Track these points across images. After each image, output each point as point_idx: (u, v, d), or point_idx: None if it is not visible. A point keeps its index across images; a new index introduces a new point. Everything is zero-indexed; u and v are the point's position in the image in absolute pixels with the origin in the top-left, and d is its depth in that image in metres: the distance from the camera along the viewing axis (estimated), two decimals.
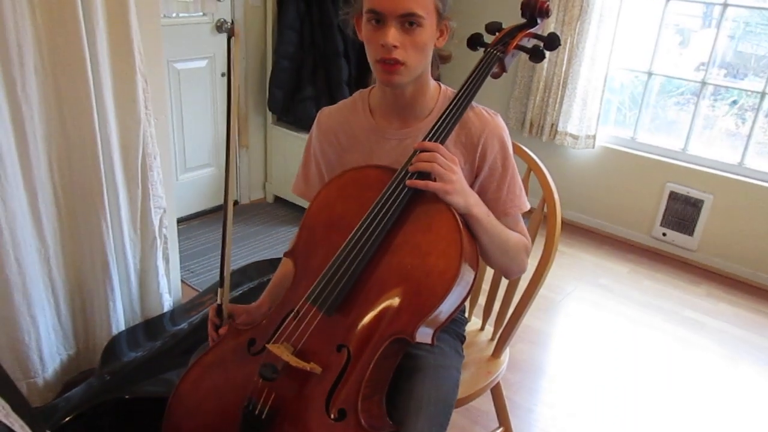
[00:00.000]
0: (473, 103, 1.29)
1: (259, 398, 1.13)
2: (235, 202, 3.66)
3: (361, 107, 1.35)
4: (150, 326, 2.19)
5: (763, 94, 3.07)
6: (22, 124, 1.66)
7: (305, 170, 1.43)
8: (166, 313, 2.27)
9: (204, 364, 1.24)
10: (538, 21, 1.32)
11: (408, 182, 1.14)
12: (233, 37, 1.16)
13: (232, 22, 1.18)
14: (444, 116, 1.20)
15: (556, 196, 1.52)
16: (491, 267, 1.37)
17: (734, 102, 3.52)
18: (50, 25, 1.66)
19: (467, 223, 1.17)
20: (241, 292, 2.29)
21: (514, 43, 1.28)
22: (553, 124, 3.53)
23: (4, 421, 0.92)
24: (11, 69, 1.60)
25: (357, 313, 1.13)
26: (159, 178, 2.06)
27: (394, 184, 1.16)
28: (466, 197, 1.16)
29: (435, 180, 1.14)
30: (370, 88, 1.36)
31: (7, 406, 0.92)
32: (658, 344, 2.62)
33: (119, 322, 2.10)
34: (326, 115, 1.39)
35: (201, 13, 3.08)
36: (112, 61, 1.82)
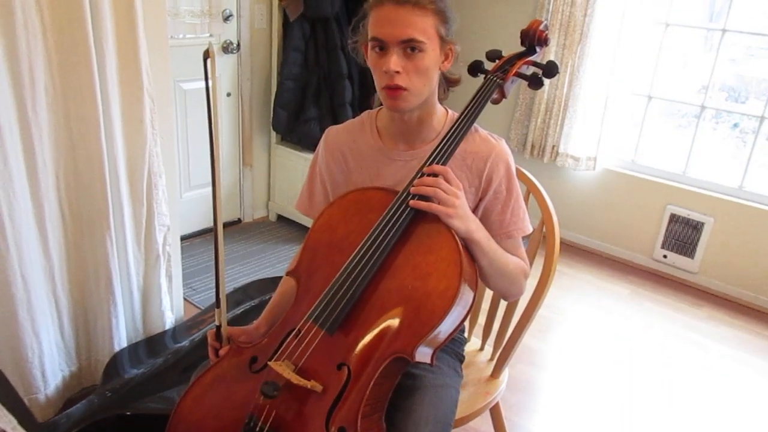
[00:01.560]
0: (478, 127, 1.31)
1: (260, 416, 1.14)
2: (238, 220, 3.69)
3: (368, 127, 1.37)
4: (152, 343, 2.20)
5: (762, 118, 3.10)
6: (31, 142, 1.69)
7: (310, 187, 1.45)
8: (167, 330, 2.28)
9: (205, 381, 1.25)
10: (537, 49, 1.35)
11: (411, 203, 1.16)
12: (209, 59, 1.17)
13: (209, 44, 1.18)
14: (444, 141, 1.22)
15: (555, 218, 1.53)
16: (489, 289, 1.39)
17: (735, 125, 3.54)
18: (61, 47, 1.70)
19: (467, 246, 1.19)
20: (242, 310, 2.30)
21: (514, 71, 1.31)
22: (554, 146, 3.56)
23: None
24: (22, 89, 1.64)
25: (358, 332, 1.15)
26: (164, 197, 2.08)
27: (396, 205, 1.18)
28: (467, 222, 1.17)
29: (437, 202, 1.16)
30: (377, 109, 1.38)
31: (14, 420, 0.93)
32: (659, 366, 2.61)
33: (121, 339, 2.11)
34: (333, 134, 1.41)
35: (208, 35, 3.13)
36: (120, 82, 1.85)
